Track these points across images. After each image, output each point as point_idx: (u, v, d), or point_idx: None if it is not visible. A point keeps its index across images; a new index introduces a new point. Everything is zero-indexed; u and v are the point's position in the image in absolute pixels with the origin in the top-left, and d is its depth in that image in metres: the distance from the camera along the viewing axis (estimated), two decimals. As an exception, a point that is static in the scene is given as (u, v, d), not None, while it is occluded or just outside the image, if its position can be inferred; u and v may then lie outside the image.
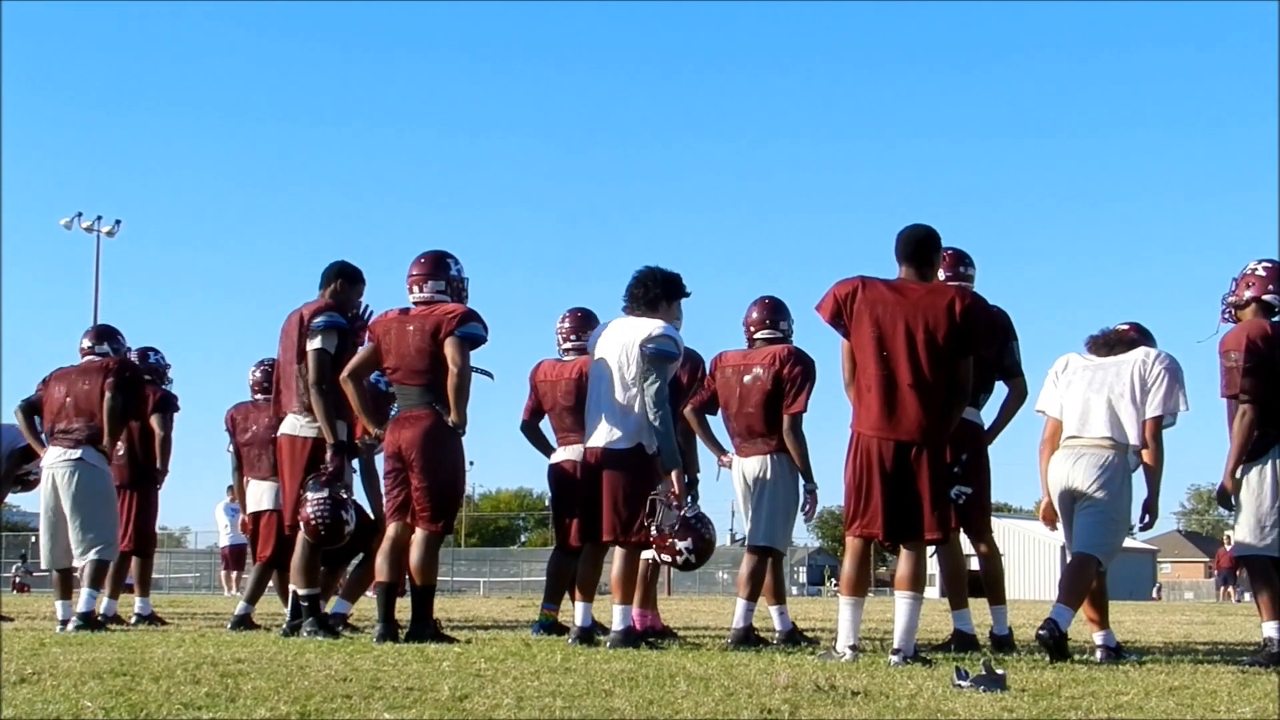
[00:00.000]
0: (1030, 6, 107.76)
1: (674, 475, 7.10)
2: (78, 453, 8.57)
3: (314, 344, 7.53)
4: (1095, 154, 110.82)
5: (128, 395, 8.67)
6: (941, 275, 7.24)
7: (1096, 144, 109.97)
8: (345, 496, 7.44)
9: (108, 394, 8.54)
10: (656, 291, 7.16)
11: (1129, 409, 6.62)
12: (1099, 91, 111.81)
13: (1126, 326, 7.08)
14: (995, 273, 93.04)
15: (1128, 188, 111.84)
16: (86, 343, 8.97)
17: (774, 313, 7.88)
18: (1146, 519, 6.72)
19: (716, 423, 8.06)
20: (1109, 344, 6.85)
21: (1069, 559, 6.74)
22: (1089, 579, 6.63)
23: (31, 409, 8.95)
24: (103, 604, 8.66)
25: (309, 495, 7.40)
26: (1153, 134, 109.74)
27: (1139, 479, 6.76)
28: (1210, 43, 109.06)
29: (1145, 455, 6.66)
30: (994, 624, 7.45)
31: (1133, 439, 6.62)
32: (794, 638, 7.87)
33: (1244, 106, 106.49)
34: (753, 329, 7.89)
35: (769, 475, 7.68)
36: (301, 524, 7.44)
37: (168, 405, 10.11)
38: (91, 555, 8.51)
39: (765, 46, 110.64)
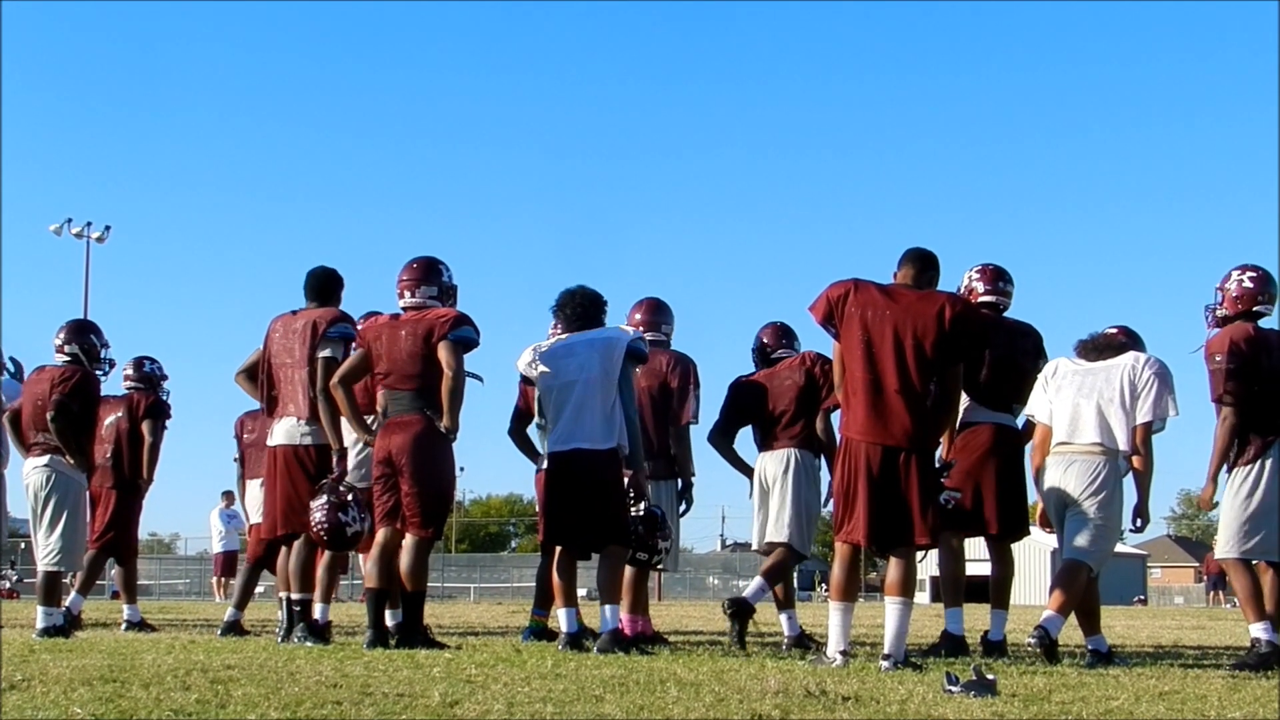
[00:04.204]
0: (1020, 8, 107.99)
1: (641, 477, 7.25)
2: (44, 459, 8.51)
3: (324, 352, 7.56)
4: (1087, 158, 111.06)
5: (68, 414, 8.39)
6: (980, 288, 7.51)
7: (1087, 147, 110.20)
8: (348, 498, 7.41)
9: (49, 414, 8.37)
10: (600, 307, 7.42)
11: (1119, 414, 6.65)
12: (1090, 94, 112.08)
13: (1115, 330, 7.13)
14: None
15: (1120, 191, 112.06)
16: (57, 340, 8.69)
17: (785, 335, 8.29)
18: (1138, 523, 6.76)
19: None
20: (1098, 349, 6.88)
21: (1060, 565, 6.76)
22: (1080, 585, 6.66)
23: (18, 416, 8.92)
24: (58, 617, 8.46)
25: (312, 504, 7.43)
26: (1146, 136, 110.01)
27: (1130, 484, 6.79)
28: (1209, 44, 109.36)
29: (1135, 460, 6.69)
30: (991, 628, 7.48)
31: (1123, 445, 6.65)
32: (802, 642, 7.95)
33: (1242, 108, 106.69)
34: (769, 350, 8.25)
35: (791, 469, 7.91)
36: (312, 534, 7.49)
37: (159, 412, 10.03)
38: (44, 564, 8.42)
39: (762, 54, 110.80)
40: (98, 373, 8.72)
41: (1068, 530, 6.73)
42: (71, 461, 8.44)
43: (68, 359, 8.61)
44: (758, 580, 7.91)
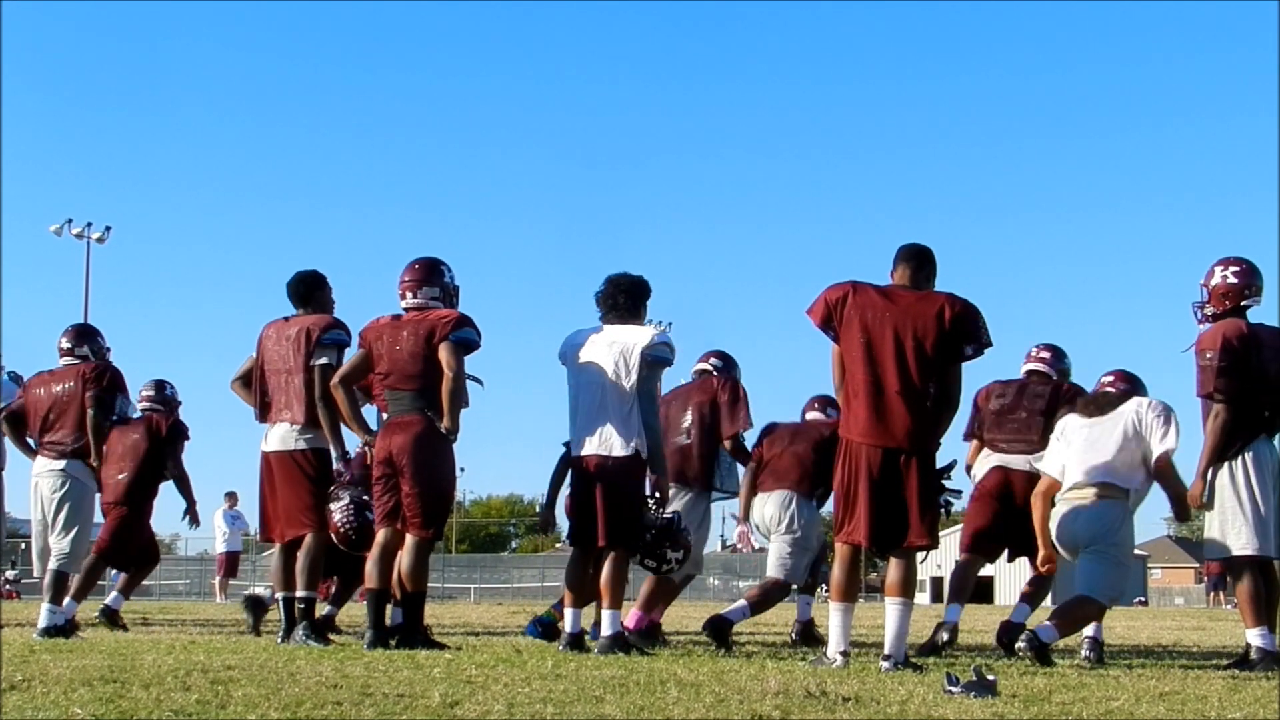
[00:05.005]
0: (1017, 9, 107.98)
1: (664, 483, 7.15)
2: (61, 464, 8.52)
3: (321, 360, 7.57)
4: (1083, 157, 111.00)
5: (107, 406, 8.53)
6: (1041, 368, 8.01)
7: (1084, 147, 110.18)
8: (364, 498, 7.46)
9: (90, 410, 8.42)
10: (637, 297, 7.26)
11: (1126, 456, 6.77)
12: (1089, 94, 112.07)
13: (1112, 378, 7.44)
14: (984, 278, 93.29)
15: (1116, 190, 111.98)
16: (65, 343, 8.75)
17: (831, 404, 8.53)
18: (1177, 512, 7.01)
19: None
20: (1100, 405, 7.02)
21: (1074, 594, 6.79)
22: (1087, 617, 6.80)
23: (15, 417, 8.92)
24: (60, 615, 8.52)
25: (331, 506, 7.50)
26: (1142, 135, 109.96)
27: (1141, 512, 6.93)
28: (1207, 43, 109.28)
29: (1167, 485, 6.82)
30: (1014, 614, 7.66)
31: (1132, 483, 6.76)
32: (808, 634, 8.25)
33: (1240, 106, 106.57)
34: (805, 413, 8.87)
35: (791, 508, 8.19)
36: (332, 534, 7.53)
37: (178, 435, 10.00)
38: (52, 564, 8.45)
39: (760, 57, 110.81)
40: None
41: (1080, 567, 6.84)
42: (93, 462, 8.52)
43: (78, 360, 8.68)
44: (741, 602, 8.12)
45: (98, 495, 8.94)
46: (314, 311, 7.82)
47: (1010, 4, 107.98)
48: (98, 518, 9.62)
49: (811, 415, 8.79)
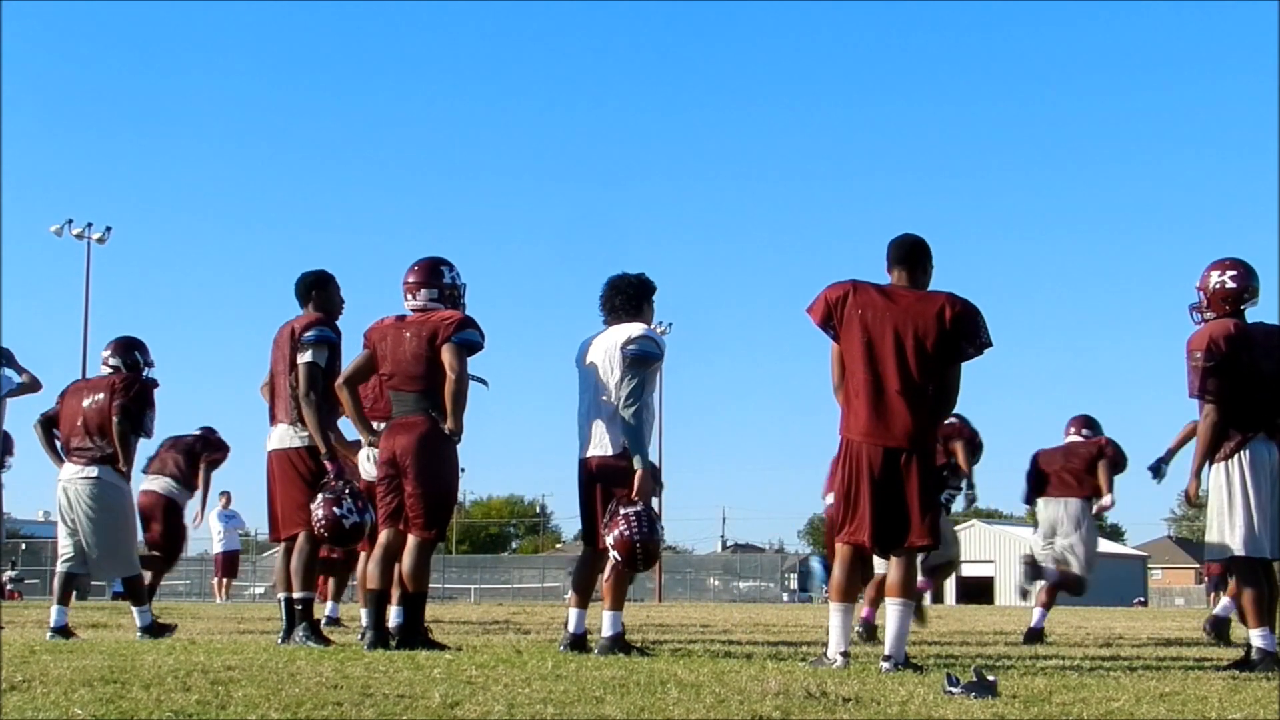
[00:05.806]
0: (1010, 9, 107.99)
1: (637, 475, 6.93)
2: (94, 471, 8.52)
3: (304, 357, 7.62)
4: (1082, 159, 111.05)
5: (135, 415, 8.53)
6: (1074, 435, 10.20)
7: (1083, 149, 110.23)
8: (344, 492, 7.45)
9: (115, 418, 8.44)
10: (634, 296, 7.19)
11: None
12: (1087, 95, 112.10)
13: None
14: (984, 280, 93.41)
15: (1116, 192, 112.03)
16: (104, 353, 8.86)
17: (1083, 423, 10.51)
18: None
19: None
20: None
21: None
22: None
23: (49, 422, 8.94)
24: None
25: (311, 505, 7.51)
26: (1143, 138, 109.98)
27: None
28: (1207, 44, 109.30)
29: None
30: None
31: None
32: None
33: (1239, 106, 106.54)
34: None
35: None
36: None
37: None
38: (121, 575, 8.54)
39: (766, 60, 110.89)
40: None
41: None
42: (123, 469, 8.54)
43: (111, 371, 8.73)
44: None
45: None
46: (314, 311, 7.85)
47: (1011, 4, 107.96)
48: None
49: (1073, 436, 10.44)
